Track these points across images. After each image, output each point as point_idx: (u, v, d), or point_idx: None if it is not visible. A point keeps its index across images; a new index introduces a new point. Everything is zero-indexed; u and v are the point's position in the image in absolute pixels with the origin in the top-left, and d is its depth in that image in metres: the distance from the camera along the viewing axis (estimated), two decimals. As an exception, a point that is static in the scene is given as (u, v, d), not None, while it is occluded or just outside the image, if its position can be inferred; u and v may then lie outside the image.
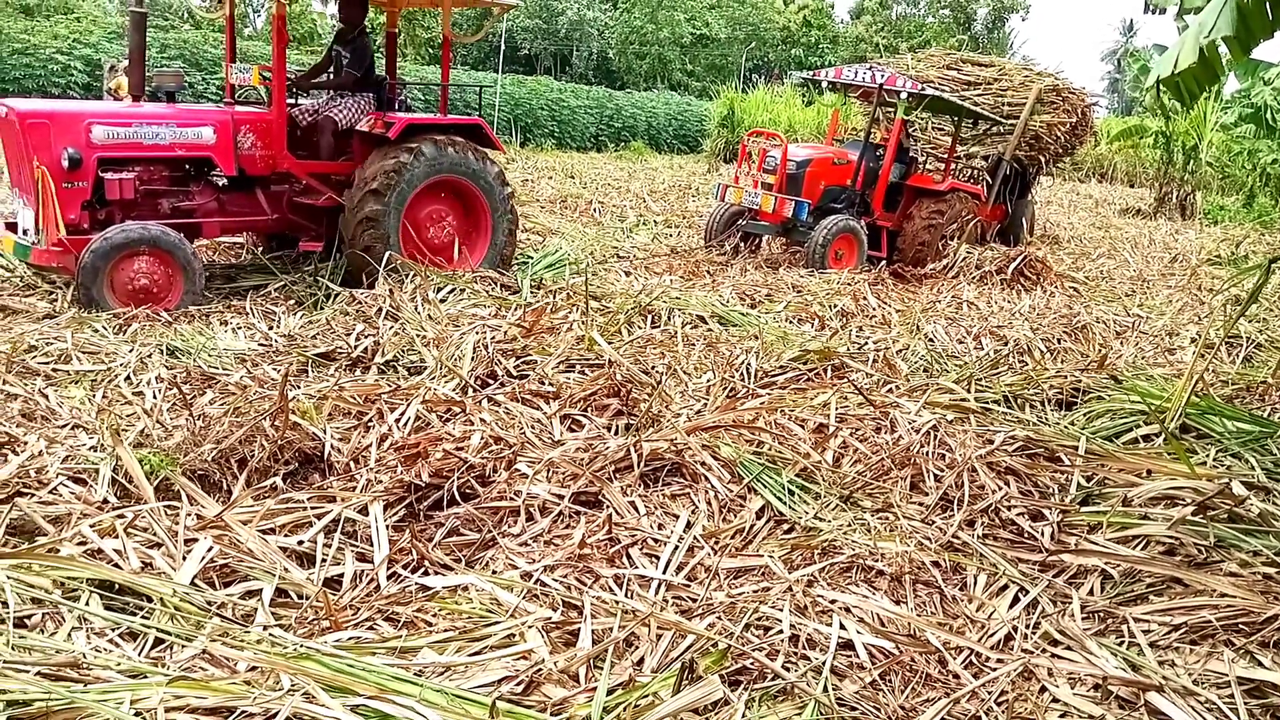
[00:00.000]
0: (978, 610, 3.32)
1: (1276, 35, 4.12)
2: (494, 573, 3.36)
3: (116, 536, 3.15)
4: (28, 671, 2.41)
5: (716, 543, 3.66)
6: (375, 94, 7.60)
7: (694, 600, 3.25)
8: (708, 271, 9.66)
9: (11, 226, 6.52)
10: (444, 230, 7.59)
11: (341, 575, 3.27)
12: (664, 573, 3.41)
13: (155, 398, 4.57)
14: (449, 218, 7.63)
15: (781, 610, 3.12)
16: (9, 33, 16.81)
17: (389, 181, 6.99)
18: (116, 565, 3.02)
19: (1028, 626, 3.21)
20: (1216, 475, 4.14)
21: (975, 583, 3.48)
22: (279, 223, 7.29)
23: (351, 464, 4.05)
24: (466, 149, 7.46)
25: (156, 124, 6.56)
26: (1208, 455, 4.59)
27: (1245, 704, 2.81)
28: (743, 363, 5.69)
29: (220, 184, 7.10)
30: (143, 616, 2.79)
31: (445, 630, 2.94)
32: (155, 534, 3.22)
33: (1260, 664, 3.00)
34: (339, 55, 7.60)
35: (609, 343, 5.74)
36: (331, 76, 7.72)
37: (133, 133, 6.45)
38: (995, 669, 2.94)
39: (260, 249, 7.98)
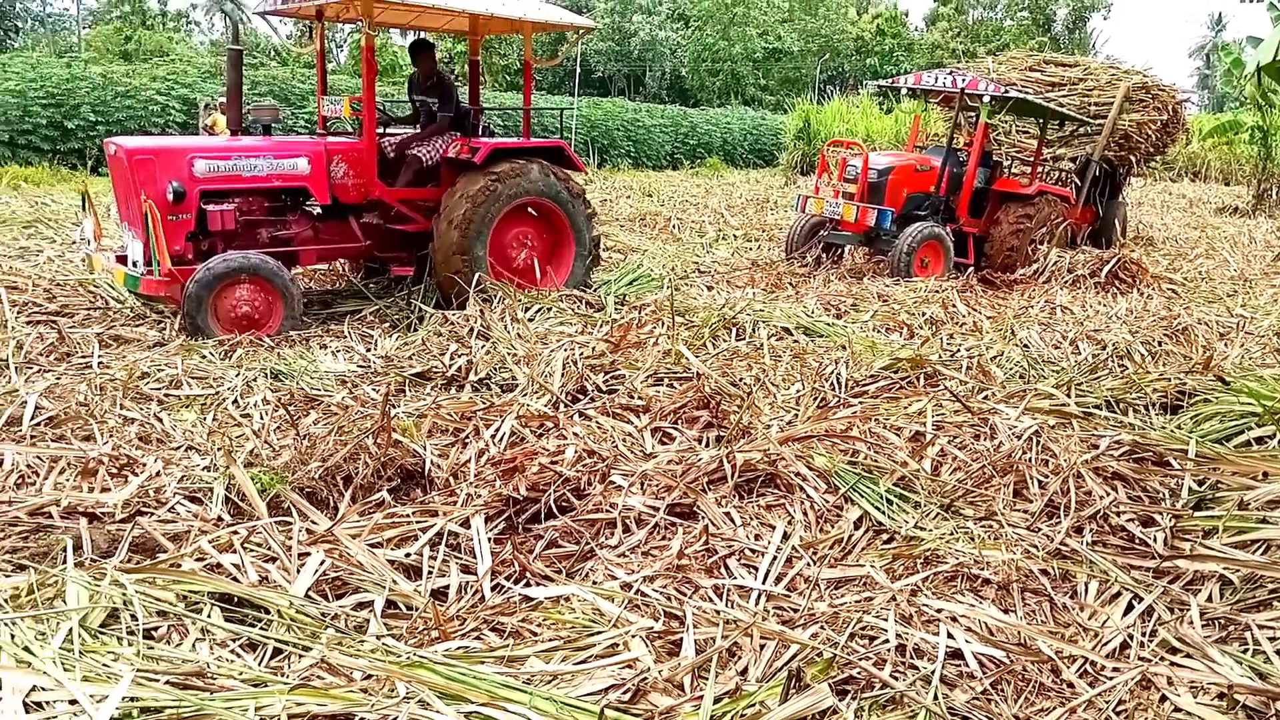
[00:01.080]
0: (1090, 618, 3.23)
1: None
2: (594, 583, 3.39)
3: (234, 551, 3.26)
4: (158, 680, 2.51)
5: (815, 553, 3.63)
6: (460, 126, 7.76)
7: (795, 610, 3.23)
8: (790, 284, 9.61)
9: (122, 259, 6.80)
10: (530, 251, 7.74)
11: (447, 587, 3.34)
12: (763, 583, 3.40)
13: (262, 419, 4.74)
14: (533, 239, 7.77)
15: (886, 620, 3.08)
16: (113, 77, 17.66)
17: (476, 205, 7.14)
18: (235, 579, 3.13)
19: (1144, 634, 3.11)
20: (1339, 477, 3.95)
21: (1086, 590, 3.38)
22: (371, 249, 7.48)
23: (451, 479, 4.13)
24: (549, 171, 7.59)
25: (254, 157, 6.80)
26: (1328, 457, 4.39)
27: (1384, 714, 2.68)
28: (832, 373, 5.65)
29: (315, 213, 7.33)
30: (261, 627, 2.89)
31: (550, 640, 2.98)
32: (270, 548, 3.33)
33: (1398, 672, 2.85)
34: (424, 104, 7.81)
35: (696, 356, 5.75)
36: (422, 122, 7.88)
37: (232, 166, 6.69)
38: (1112, 678, 2.86)
39: (356, 275, 8.19)
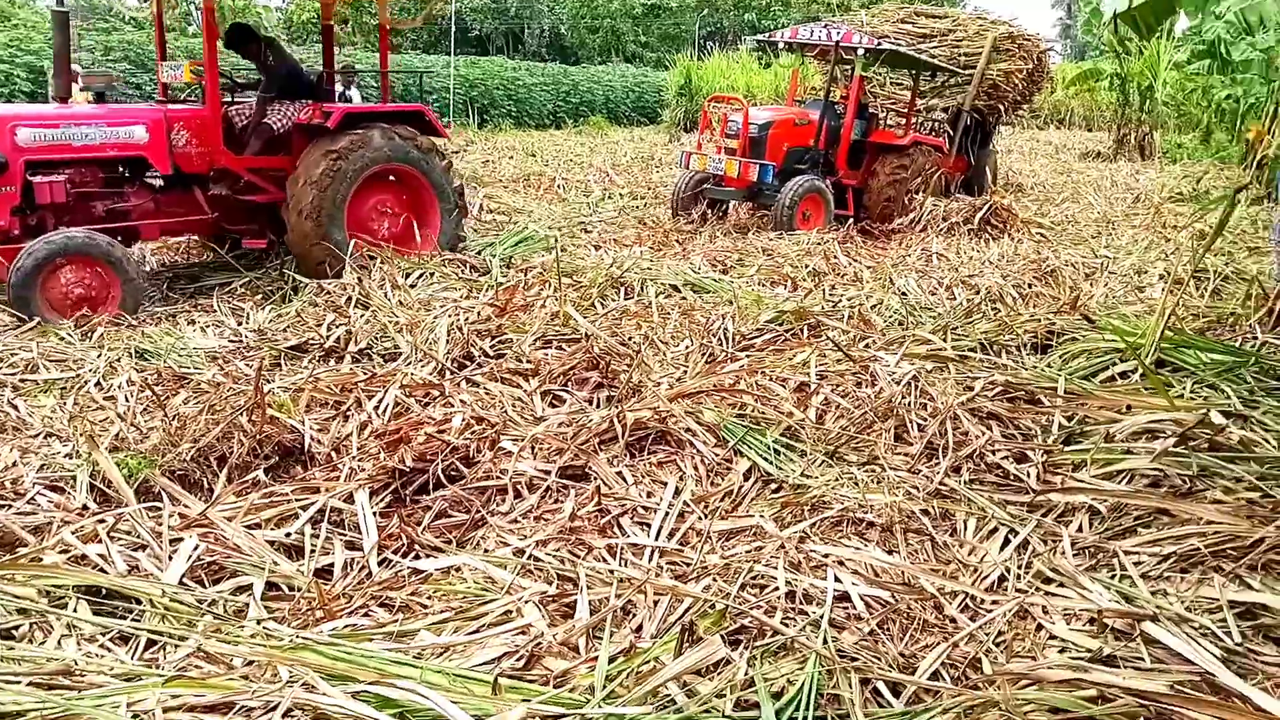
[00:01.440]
0: (969, 554, 3.34)
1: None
2: (486, 552, 3.34)
3: (100, 541, 3.10)
4: (19, 682, 2.37)
5: (706, 507, 3.66)
6: (310, 94, 7.42)
7: (688, 565, 3.25)
8: (677, 241, 9.62)
9: None
10: (391, 220, 7.45)
11: (332, 565, 3.24)
12: (656, 540, 3.40)
13: (128, 401, 4.50)
14: (394, 206, 7.48)
15: (776, 568, 3.13)
16: (-53, 43, 16.40)
17: (330, 172, 6.81)
18: (102, 570, 2.97)
19: (1020, 567, 3.23)
20: (1195, 406, 4.18)
21: (965, 528, 3.50)
22: (218, 221, 7.12)
23: (333, 454, 4.00)
24: (393, 134, 7.24)
25: (85, 124, 6.35)
26: (1184, 388, 4.62)
27: (1238, 626, 2.85)
28: (719, 328, 5.68)
29: (156, 185, 6.92)
30: (133, 619, 2.75)
31: (441, 611, 2.92)
32: (139, 536, 3.17)
33: (1250, 586, 3.04)
34: (264, 55, 7.46)
35: (584, 317, 5.70)
36: (262, 88, 7.48)
37: (61, 134, 6.24)
38: (991, 610, 2.97)
39: (223, 249, 7.78)
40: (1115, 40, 20.56)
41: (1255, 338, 5.48)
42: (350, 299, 6.04)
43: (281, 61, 7.44)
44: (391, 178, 7.42)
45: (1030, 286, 7.16)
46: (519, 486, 3.74)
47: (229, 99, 7.25)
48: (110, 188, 6.64)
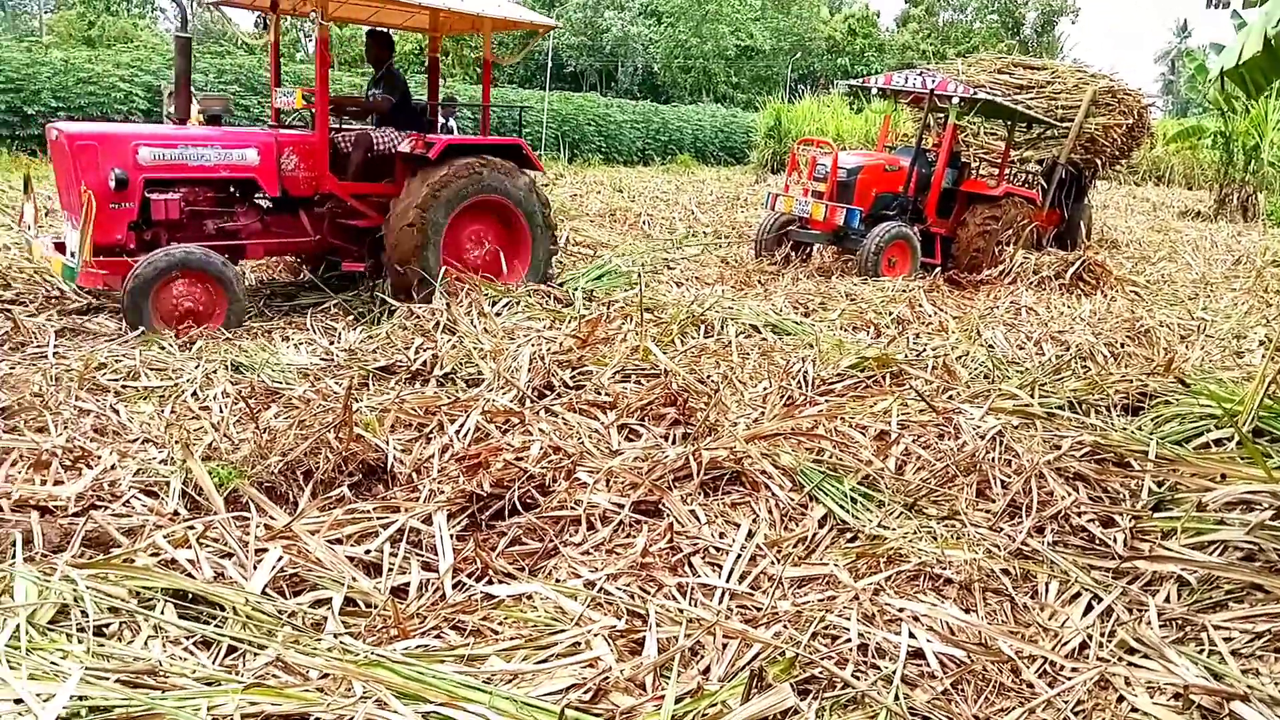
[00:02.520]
0: (1050, 618, 3.25)
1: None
2: (557, 581, 3.37)
3: (189, 547, 3.21)
4: (108, 679, 2.46)
5: (779, 551, 3.63)
6: (415, 124, 7.74)
7: (759, 609, 3.23)
8: (759, 281, 9.62)
9: (60, 247, 6.60)
10: (485, 249, 7.66)
11: (408, 584, 3.30)
12: (727, 581, 3.39)
13: (222, 412, 4.66)
14: (489, 236, 7.69)
15: (849, 619, 3.08)
16: (75, 62, 17.33)
17: (430, 201, 7.05)
18: (190, 575, 3.07)
19: (1103, 634, 3.13)
20: (1295, 479, 4.01)
21: (1047, 590, 3.40)
22: (321, 244, 7.37)
23: (414, 475, 4.08)
24: (505, 169, 7.50)
25: (202, 146, 6.66)
26: (1284, 459, 4.45)
27: (1336, 714, 2.71)
28: (799, 371, 5.66)
29: (264, 206, 7.20)
30: (216, 625, 2.84)
31: (511, 638, 2.95)
32: (226, 544, 3.27)
33: (1350, 673, 2.89)
34: (371, 95, 7.82)
35: (664, 352, 5.74)
36: (370, 116, 7.86)
37: (179, 154, 6.54)
38: (1071, 678, 2.88)
39: (315, 270, 8.05)
40: (1221, 98, 20.01)
41: (1362, 411, 5.24)
42: (438, 324, 6.18)
43: (394, 87, 7.71)
44: (487, 209, 7.59)
45: (1123, 346, 6.97)
46: (593, 518, 3.77)
47: (336, 125, 7.52)
48: (221, 207, 6.91)
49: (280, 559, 3.20)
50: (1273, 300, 9.40)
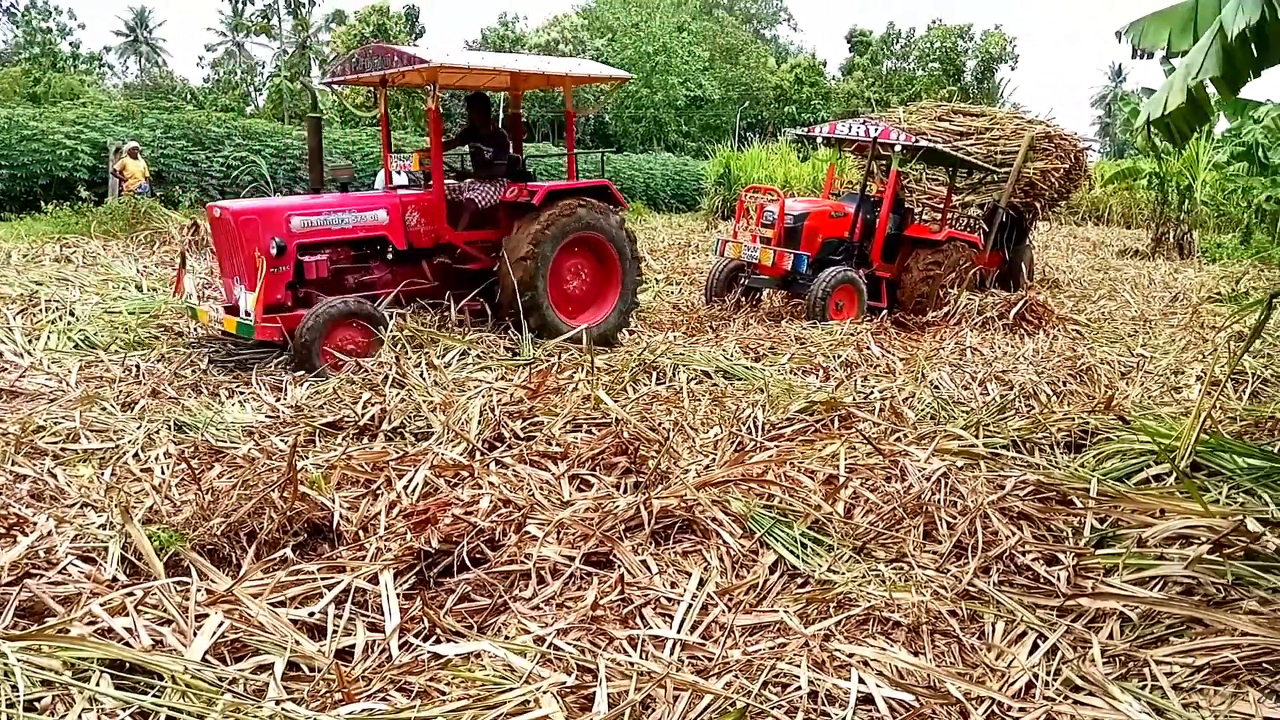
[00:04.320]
0: (997, 658, 3.28)
1: (1263, 74, 4.18)
2: (506, 638, 3.33)
3: (127, 614, 3.13)
4: (39, 755, 2.38)
5: (730, 599, 3.63)
6: (510, 173, 8.57)
7: (710, 659, 3.22)
8: (710, 327, 9.70)
9: (231, 310, 7.29)
10: (582, 282, 8.57)
11: (353, 646, 3.24)
12: (679, 632, 3.38)
13: (164, 473, 4.57)
14: (586, 270, 8.58)
15: (799, 666, 3.09)
16: (20, 120, 17.15)
17: (540, 237, 7.86)
18: (127, 644, 2.99)
19: (1049, 673, 3.16)
20: (1230, 513, 4.10)
21: (993, 630, 3.43)
22: (441, 289, 8.12)
23: (361, 533, 4.03)
24: (599, 208, 8.37)
25: (341, 211, 7.55)
26: (1220, 493, 4.55)
27: (1275, 745, 2.76)
28: (749, 416, 5.69)
29: (388, 258, 7.99)
30: (154, 695, 2.76)
31: (459, 699, 2.90)
32: (166, 611, 3.20)
33: (1287, 703, 2.95)
34: (478, 150, 8.60)
35: (615, 401, 5.75)
36: (472, 165, 8.74)
37: (323, 220, 7.43)
38: (1018, 718, 2.90)
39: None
40: (1148, 145, 20.68)
41: (1295, 443, 5.38)
42: (387, 378, 6.14)
43: (500, 144, 8.62)
44: (584, 244, 8.46)
45: (1065, 384, 7.11)
46: (543, 571, 3.75)
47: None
48: (358, 263, 7.80)
49: (221, 624, 3.13)
50: (1209, 336, 9.65)
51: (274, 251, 6.92)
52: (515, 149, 8.99)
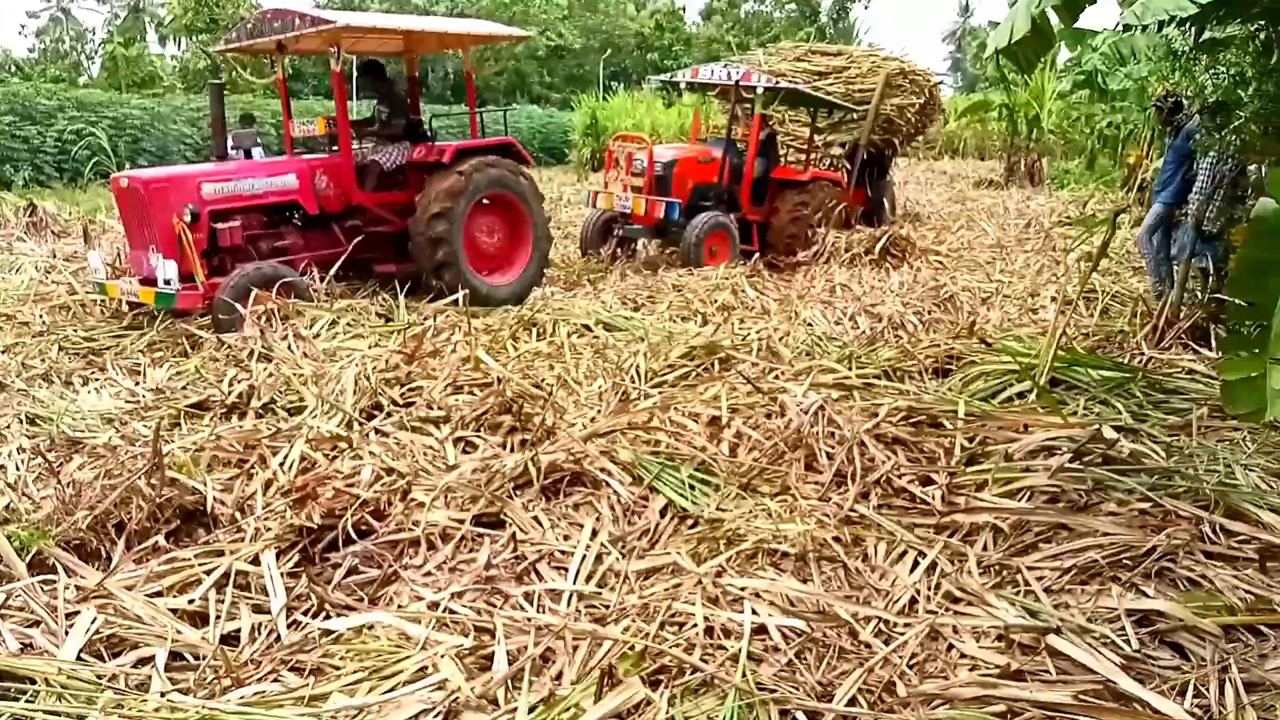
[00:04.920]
0: (881, 579, 3.41)
1: (1099, 2, 4.35)
2: (399, 607, 3.28)
3: (-12, 620, 2.95)
4: (-100, 778, 2.24)
5: (624, 547, 3.66)
6: (411, 134, 8.63)
7: (607, 607, 3.25)
8: (588, 279, 9.67)
9: (146, 281, 7.09)
10: (495, 240, 8.59)
11: (239, 630, 3.14)
12: (574, 584, 3.39)
13: (19, 470, 4.30)
14: (497, 229, 8.60)
15: (694, 604, 3.14)
16: None
17: (452, 199, 7.88)
18: (-9, 651, 2.83)
19: (930, 588, 3.31)
20: (1088, 423, 4.35)
21: (876, 552, 3.57)
22: (348, 253, 7.93)
23: (237, 514, 3.89)
24: (510, 166, 8.44)
25: (252, 177, 7.58)
26: (1078, 405, 4.83)
27: (1135, 633, 2.96)
28: (632, 365, 5.72)
29: (299, 224, 8.01)
30: (27, 700, 2.62)
31: (355, 672, 2.85)
32: (33, 612, 3.03)
33: (1145, 594, 3.16)
34: (379, 110, 8.72)
35: (495, 360, 5.68)
36: (377, 130, 8.70)
37: (234, 186, 7.43)
38: (904, 633, 3.02)
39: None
40: (998, 74, 21.46)
41: (1142, 354, 5.74)
42: (252, 353, 5.90)
43: (399, 107, 8.67)
44: (496, 203, 8.49)
45: (930, 313, 7.38)
46: (432, 538, 3.69)
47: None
48: (270, 228, 7.79)
49: (95, 620, 2.99)
50: (1061, 259, 10.15)
51: (188, 219, 6.90)
52: (414, 110, 9.00)
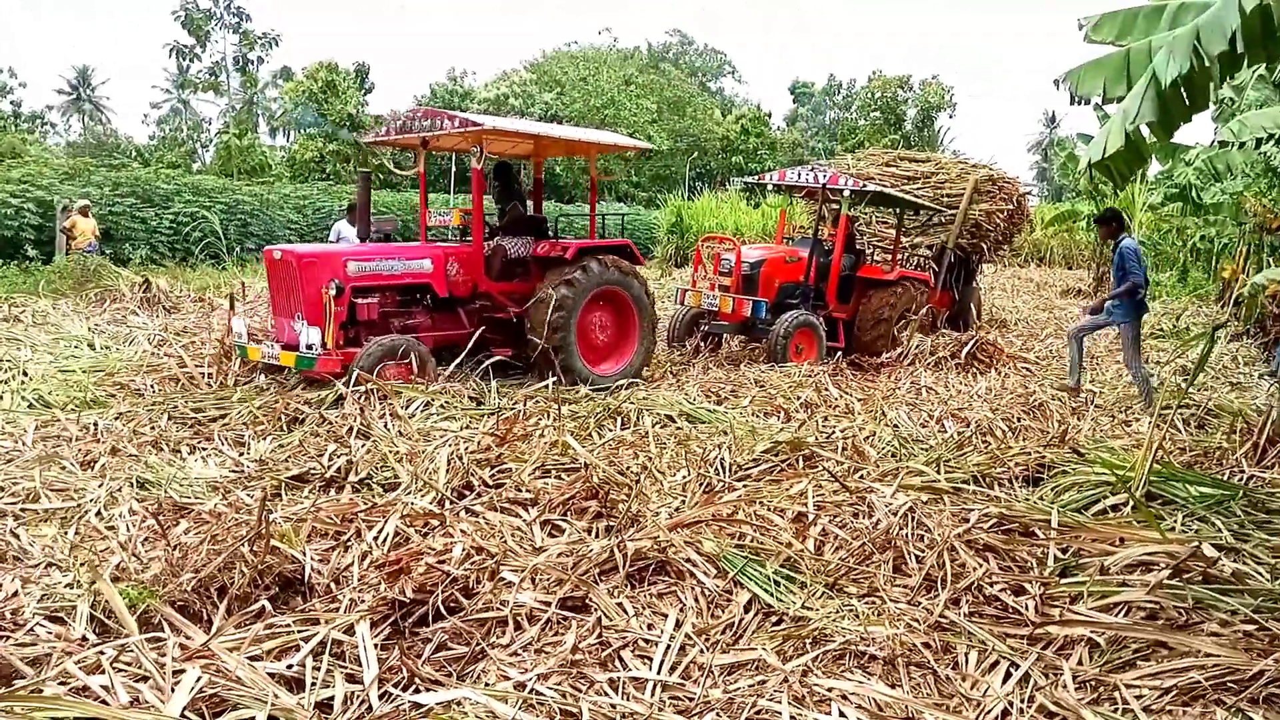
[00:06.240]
0: (972, 688, 3.34)
1: (1193, 119, 4.40)
2: (486, 685, 3.32)
3: (102, 672, 3.08)
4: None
5: (708, 639, 3.66)
6: (534, 230, 9.24)
7: (691, 699, 3.24)
8: (672, 372, 9.78)
9: (287, 346, 7.77)
10: (605, 333, 9.15)
11: (333, 698, 3.21)
12: (658, 673, 3.40)
13: (129, 530, 4.51)
14: (607, 323, 9.16)
15: (780, 701, 3.12)
16: (-40, 179, 16.89)
17: (570, 292, 8.46)
18: (104, 701, 2.94)
19: (1023, 701, 3.23)
20: (1186, 539, 4.24)
21: (966, 661, 3.50)
22: (473, 336, 8.42)
23: (333, 584, 4.00)
24: (623, 266, 9.02)
25: (392, 259, 8.19)
26: (1175, 520, 4.70)
27: (1243, 761, 2.84)
28: (716, 458, 5.75)
29: (428, 304, 8.58)
30: (133, 753, 2.72)
31: (443, 746, 2.89)
32: (142, 667, 3.15)
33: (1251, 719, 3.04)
34: (512, 207, 9.31)
35: (582, 446, 5.77)
36: (499, 221, 9.37)
37: (375, 266, 8.05)
38: (996, 745, 2.95)
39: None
40: (1090, 189, 21.36)
41: (1242, 471, 5.57)
42: (351, 429, 6.11)
43: (523, 203, 9.33)
44: (607, 299, 9.04)
45: (1019, 420, 7.28)
46: (519, 618, 3.74)
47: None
48: (402, 307, 8.38)
49: (199, 679, 3.09)
50: (1154, 371, 9.94)
51: (333, 293, 7.48)
52: (535, 209, 9.74)
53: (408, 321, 8.32)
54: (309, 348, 7.53)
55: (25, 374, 7.60)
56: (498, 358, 8.37)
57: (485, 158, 8.39)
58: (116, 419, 6.63)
